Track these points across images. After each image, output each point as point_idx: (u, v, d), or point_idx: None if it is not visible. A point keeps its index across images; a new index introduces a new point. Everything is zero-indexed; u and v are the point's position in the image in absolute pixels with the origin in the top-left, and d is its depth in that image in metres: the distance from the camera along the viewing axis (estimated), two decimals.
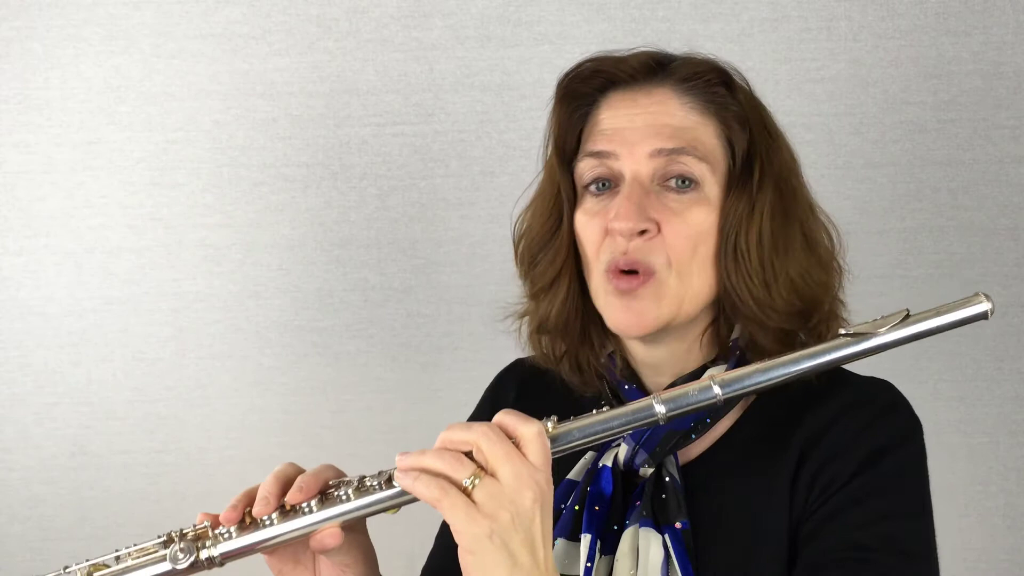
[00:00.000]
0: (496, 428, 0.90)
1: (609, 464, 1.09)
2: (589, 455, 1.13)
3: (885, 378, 1.10)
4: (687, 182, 1.06)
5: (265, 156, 1.86)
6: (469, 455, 0.90)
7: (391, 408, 1.89)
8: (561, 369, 1.18)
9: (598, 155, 1.08)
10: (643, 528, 1.03)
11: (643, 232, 1.04)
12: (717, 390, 0.95)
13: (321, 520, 0.94)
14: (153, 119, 1.85)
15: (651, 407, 0.94)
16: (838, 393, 1.06)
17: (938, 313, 0.95)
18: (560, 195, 1.11)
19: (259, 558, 1.00)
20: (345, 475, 0.98)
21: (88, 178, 1.86)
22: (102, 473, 1.91)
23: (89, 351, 1.89)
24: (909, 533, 0.98)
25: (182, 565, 0.92)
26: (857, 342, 0.95)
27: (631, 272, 1.06)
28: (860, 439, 1.01)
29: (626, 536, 1.04)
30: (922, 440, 1.05)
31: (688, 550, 1.02)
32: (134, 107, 1.85)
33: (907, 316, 0.95)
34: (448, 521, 0.88)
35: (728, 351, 1.10)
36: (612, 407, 0.98)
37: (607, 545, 1.05)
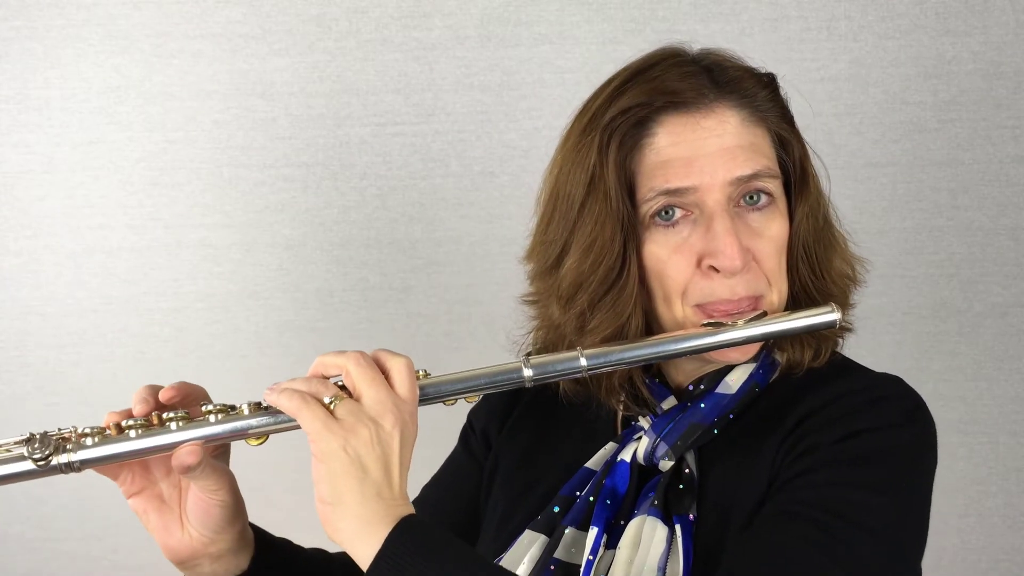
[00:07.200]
0: (368, 356, 0.93)
1: (628, 459, 1.08)
2: (610, 445, 1.11)
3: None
4: (760, 196, 1.04)
5: (265, 156, 1.86)
6: (344, 389, 0.92)
7: None
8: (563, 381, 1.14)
9: (674, 192, 1.01)
10: (650, 518, 1.02)
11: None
12: (584, 361, 1.00)
13: (184, 439, 0.94)
14: (153, 119, 1.85)
15: (520, 370, 0.98)
16: (844, 380, 1.05)
17: (791, 318, 1.02)
18: (624, 235, 1.02)
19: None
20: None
21: (88, 178, 1.86)
22: None
23: (89, 351, 1.89)
24: (870, 507, 0.94)
25: (38, 465, 0.91)
26: (715, 332, 1.00)
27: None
28: (851, 416, 1.00)
29: (632, 525, 1.03)
30: (921, 433, 1.01)
31: (694, 541, 1.01)
32: (134, 107, 1.85)
33: (763, 315, 1.01)
34: (306, 431, 0.89)
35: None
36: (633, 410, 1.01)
37: (612, 539, 1.04)
